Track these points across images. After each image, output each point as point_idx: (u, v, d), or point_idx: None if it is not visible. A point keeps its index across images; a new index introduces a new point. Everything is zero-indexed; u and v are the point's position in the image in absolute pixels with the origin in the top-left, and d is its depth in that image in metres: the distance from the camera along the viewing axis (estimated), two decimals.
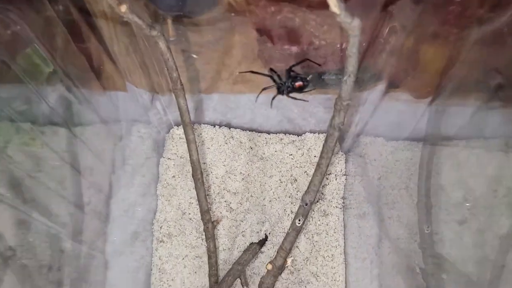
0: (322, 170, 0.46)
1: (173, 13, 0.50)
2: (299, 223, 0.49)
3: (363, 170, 0.60)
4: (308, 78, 0.44)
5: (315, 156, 0.60)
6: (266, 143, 0.62)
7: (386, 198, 0.59)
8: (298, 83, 0.44)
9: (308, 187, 0.48)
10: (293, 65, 0.45)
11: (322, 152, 0.44)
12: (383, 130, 0.59)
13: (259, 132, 0.62)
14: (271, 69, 0.46)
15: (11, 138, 0.49)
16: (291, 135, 0.62)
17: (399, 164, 0.59)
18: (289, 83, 0.44)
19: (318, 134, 0.62)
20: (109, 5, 0.38)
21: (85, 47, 0.50)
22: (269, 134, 0.62)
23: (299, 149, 0.61)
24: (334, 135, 0.43)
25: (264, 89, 0.46)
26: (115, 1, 0.37)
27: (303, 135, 0.62)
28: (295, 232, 0.50)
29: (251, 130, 0.63)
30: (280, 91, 0.45)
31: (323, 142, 0.43)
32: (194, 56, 0.55)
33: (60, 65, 0.48)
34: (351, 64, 0.38)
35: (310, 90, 0.46)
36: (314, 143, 0.61)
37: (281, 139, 0.62)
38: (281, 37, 0.53)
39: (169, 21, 0.47)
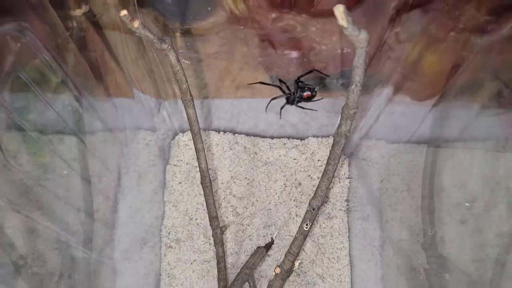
0: (329, 176, 0.46)
1: (178, 20, 0.50)
2: (306, 228, 0.50)
3: (366, 173, 0.61)
4: (316, 89, 0.45)
5: (318, 160, 0.61)
6: (270, 148, 0.62)
7: (389, 200, 0.59)
8: (307, 93, 0.45)
9: (315, 192, 0.48)
10: (301, 76, 0.46)
11: (329, 158, 0.45)
12: (385, 133, 0.60)
13: (262, 137, 0.63)
14: (280, 80, 0.47)
15: (20, 147, 0.49)
16: (294, 139, 0.63)
17: (400, 167, 0.59)
18: (298, 93, 0.45)
19: (321, 138, 0.62)
20: (121, 19, 0.39)
21: (92, 55, 0.50)
22: (272, 139, 0.62)
23: (302, 153, 0.62)
24: (341, 143, 0.43)
25: (273, 98, 0.47)
26: (128, 17, 0.37)
27: (306, 139, 0.62)
28: (302, 236, 0.51)
29: (254, 135, 0.63)
30: (289, 101, 0.46)
31: (330, 148, 0.44)
32: (186, 62, 0.56)
33: (68, 74, 0.48)
34: (358, 74, 0.38)
35: (318, 100, 0.47)
36: (317, 147, 0.62)
37: (285, 144, 0.62)
38: (282, 43, 0.54)
39: (178, 34, 0.48)
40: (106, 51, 0.49)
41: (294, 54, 0.55)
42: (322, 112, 0.61)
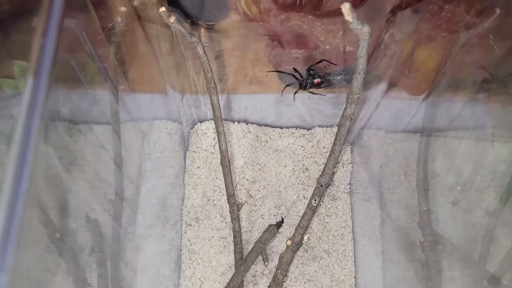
0: (335, 155, 0.52)
1: (198, 20, 0.56)
2: (315, 203, 0.55)
3: (367, 159, 0.66)
4: (325, 76, 0.52)
5: (324, 147, 0.67)
6: (280, 136, 0.68)
7: (388, 183, 0.64)
8: (317, 80, 0.52)
9: (323, 171, 0.54)
10: (312, 65, 0.52)
11: (335, 139, 0.50)
12: (384, 123, 0.65)
13: (273, 127, 0.69)
14: (294, 69, 0.53)
15: (61, 133, 0.53)
16: (302, 129, 0.69)
17: (398, 154, 0.65)
18: (309, 80, 0.52)
19: (326, 128, 0.68)
20: (159, 15, 0.45)
21: (128, 50, 0.55)
22: (282, 128, 0.68)
23: (309, 141, 0.68)
24: (346, 124, 0.49)
25: (288, 85, 0.54)
26: (166, 13, 0.44)
27: (313, 129, 0.68)
28: (311, 211, 0.57)
29: (266, 125, 0.69)
30: (302, 87, 0.52)
31: (335, 132, 0.49)
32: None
33: (107, 67, 0.53)
34: (361, 64, 0.44)
35: (327, 86, 0.54)
36: (323, 136, 0.68)
37: (293, 133, 0.68)
38: (290, 42, 0.58)
39: (202, 29, 0.54)
40: (143, 45, 0.54)
41: (300, 52, 0.58)
42: (326, 105, 0.66)
